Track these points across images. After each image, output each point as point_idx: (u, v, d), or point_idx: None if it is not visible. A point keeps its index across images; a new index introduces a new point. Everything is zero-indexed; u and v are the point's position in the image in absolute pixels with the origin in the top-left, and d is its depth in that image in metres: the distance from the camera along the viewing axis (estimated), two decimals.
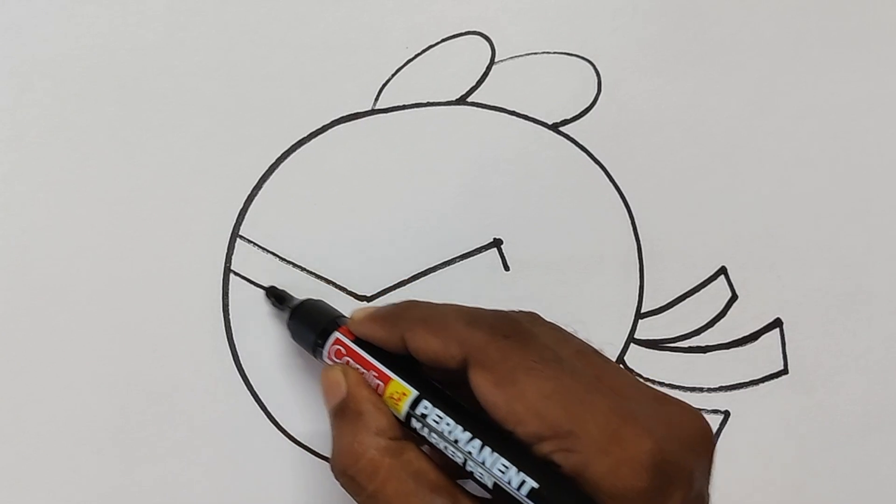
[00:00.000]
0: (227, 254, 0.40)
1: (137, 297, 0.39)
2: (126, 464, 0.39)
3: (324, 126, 0.41)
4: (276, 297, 0.39)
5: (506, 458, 0.30)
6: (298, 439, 0.40)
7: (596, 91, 0.43)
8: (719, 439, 0.43)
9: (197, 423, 0.39)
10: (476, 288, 0.42)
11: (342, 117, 0.41)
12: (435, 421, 0.31)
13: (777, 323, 0.44)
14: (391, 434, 0.32)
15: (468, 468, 0.30)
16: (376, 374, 0.33)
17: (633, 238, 0.43)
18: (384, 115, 0.41)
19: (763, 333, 0.44)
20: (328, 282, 0.41)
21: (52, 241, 0.39)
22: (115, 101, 0.39)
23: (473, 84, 0.42)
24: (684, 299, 0.43)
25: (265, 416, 0.40)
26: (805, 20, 0.45)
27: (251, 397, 0.40)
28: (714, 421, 0.43)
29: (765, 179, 0.44)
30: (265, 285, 0.40)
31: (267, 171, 0.40)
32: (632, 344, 0.43)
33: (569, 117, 0.43)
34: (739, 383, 0.43)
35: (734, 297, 0.44)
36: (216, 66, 0.40)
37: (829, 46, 0.45)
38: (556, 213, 0.42)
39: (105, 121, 0.39)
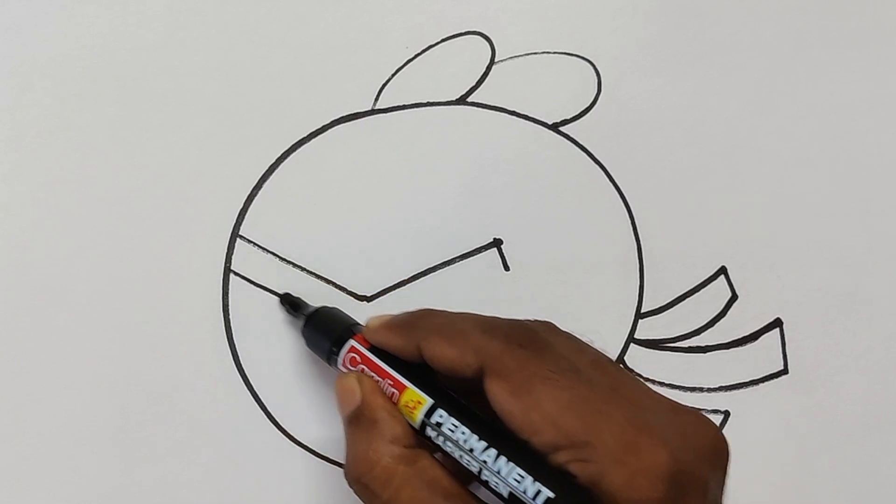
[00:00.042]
0: (227, 254, 0.40)
1: (137, 297, 0.39)
2: (126, 464, 0.39)
3: (324, 126, 0.41)
4: (291, 304, 0.39)
5: (521, 467, 0.30)
6: (298, 439, 0.40)
7: (596, 91, 0.43)
8: None
9: (197, 423, 0.39)
10: (476, 288, 0.42)
11: (342, 117, 0.41)
12: (450, 430, 0.31)
13: (777, 323, 0.44)
14: (406, 442, 0.32)
15: (483, 477, 0.30)
16: (391, 383, 0.33)
17: (633, 238, 0.43)
18: (384, 115, 0.41)
19: (763, 333, 0.44)
20: (328, 282, 0.41)
21: (52, 241, 0.39)
22: (115, 101, 0.39)
23: (473, 84, 0.42)
24: (684, 299, 0.43)
25: (265, 416, 0.40)
26: (805, 20, 0.45)
27: (251, 397, 0.40)
28: (714, 421, 0.43)
29: (765, 179, 0.44)
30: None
31: (267, 171, 0.40)
32: (632, 344, 0.43)
33: (569, 117, 0.43)
34: (739, 383, 0.43)
35: (734, 297, 0.44)
36: (216, 66, 0.40)
37: (829, 46, 0.45)
38: (556, 213, 0.42)
39: (105, 121, 0.39)
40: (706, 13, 0.44)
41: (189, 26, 0.40)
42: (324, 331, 0.37)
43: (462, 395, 0.33)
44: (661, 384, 0.43)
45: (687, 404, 0.42)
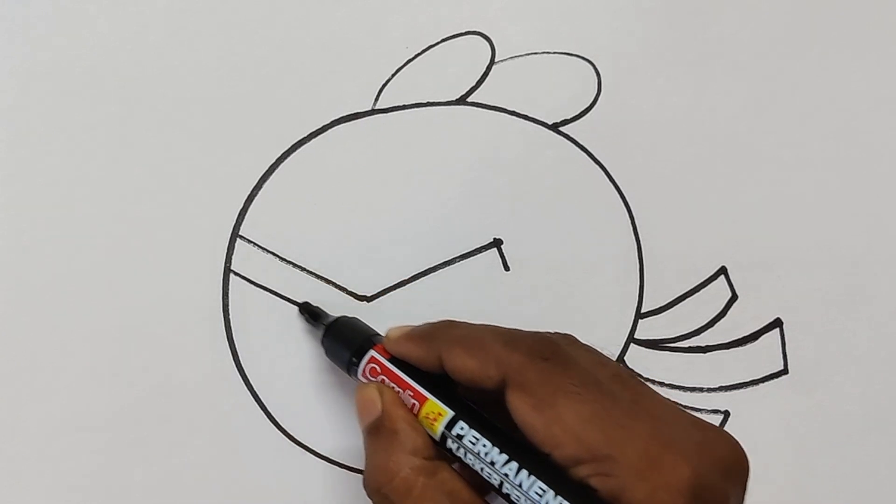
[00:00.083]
0: (227, 254, 0.40)
1: (137, 297, 0.39)
2: (126, 463, 0.39)
3: (324, 126, 0.41)
4: (311, 313, 0.39)
5: (543, 480, 0.30)
6: (298, 439, 0.40)
7: (596, 91, 0.43)
8: None
9: (197, 423, 0.39)
10: (476, 288, 0.42)
11: (342, 117, 0.41)
12: (471, 442, 0.31)
13: (777, 323, 0.44)
14: (426, 454, 0.32)
15: (504, 490, 0.30)
16: (412, 394, 0.33)
17: (633, 238, 0.43)
18: (384, 115, 0.41)
19: (763, 333, 0.44)
20: (328, 282, 0.41)
21: (52, 241, 0.39)
22: (115, 101, 0.39)
23: (473, 84, 0.42)
24: (684, 299, 0.43)
25: (265, 416, 0.40)
26: (805, 20, 0.45)
27: (251, 397, 0.40)
28: (714, 421, 0.43)
29: (765, 179, 0.44)
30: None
31: (267, 171, 0.40)
32: (632, 344, 0.43)
33: (569, 117, 0.43)
34: (739, 383, 0.43)
35: (734, 297, 0.44)
36: (216, 66, 0.40)
37: (829, 46, 0.45)
38: (556, 213, 0.42)
39: (105, 121, 0.39)
40: (706, 13, 0.44)
41: (189, 26, 0.40)
42: (343, 341, 0.37)
43: (481, 406, 0.33)
44: (661, 384, 0.43)
45: (689, 405, 0.42)
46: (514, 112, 0.42)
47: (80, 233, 0.39)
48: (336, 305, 0.40)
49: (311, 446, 0.40)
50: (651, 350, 0.43)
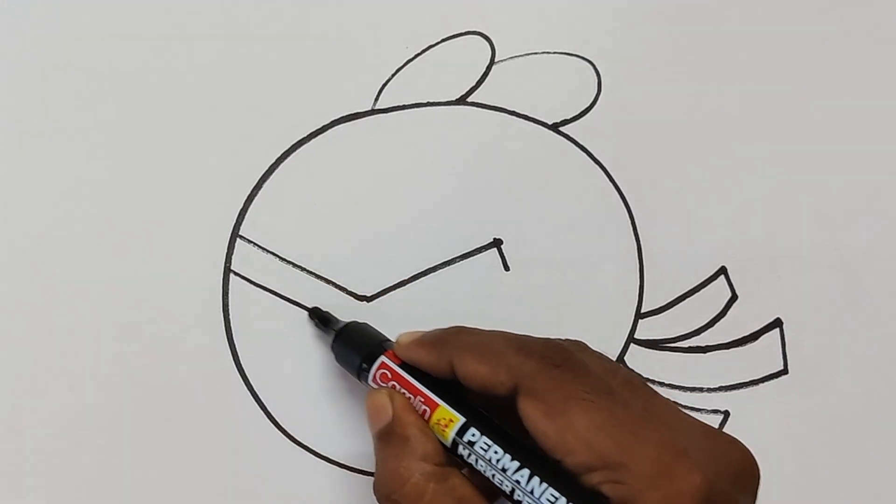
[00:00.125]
0: (227, 254, 0.40)
1: (137, 297, 0.39)
2: (126, 464, 0.39)
3: (324, 126, 0.41)
4: (320, 318, 0.39)
5: (555, 487, 0.30)
6: (298, 439, 0.40)
7: (596, 91, 0.43)
8: None
9: (197, 423, 0.39)
10: (476, 288, 0.42)
11: (342, 117, 0.41)
12: (483, 448, 0.31)
13: (777, 323, 0.44)
14: (436, 460, 0.32)
15: (516, 497, 0.30)
16: (423, 400, 0.33)
17: (633, 238, 0.43)
18: (384, 115, 0.41)
19: (763, 333, 0.44)
20: (328, 282, 0.41)
21: (51, 241, 0.39)
22: (115, 101, 0.39)
23: (473, 84, 0.42)
24: (684, 299, 0.43)
25: (265, 416, 0.40)
26: (805, 20, 0.45)
27: (251, 397, 0.40)
28: (714, 421, 0.43)
29: (765, 180, 0.44)
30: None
31: (267, 171, 0.40)
32: (632, 344, 0.43)
33: (569, 117, 0.43)
34: (739, 383, 0.43)
35: (734, 297, 0.44)
36: (216, 66, 0.40)
37: (829, 46, 0.45)
38: (556, 213, 0.42)
39: (105, 121, 0.39)
40: (706, 13, 0.44)
41: (189, 26, 0.40)
42: (354, 346, 0.37)
43: (491, 412, 0.33)
44: (661, 384, 0.43)
45: (689, 405, 0.42)
46: (514, 112, 0.42)
47: (79, 233, 0.39)
48: (336, 305, 0.40)
49: (311, 446, 0.40)
50: (651, 350, 0.43)
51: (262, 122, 0.40)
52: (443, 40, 0.42)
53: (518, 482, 0.30)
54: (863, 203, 0.45)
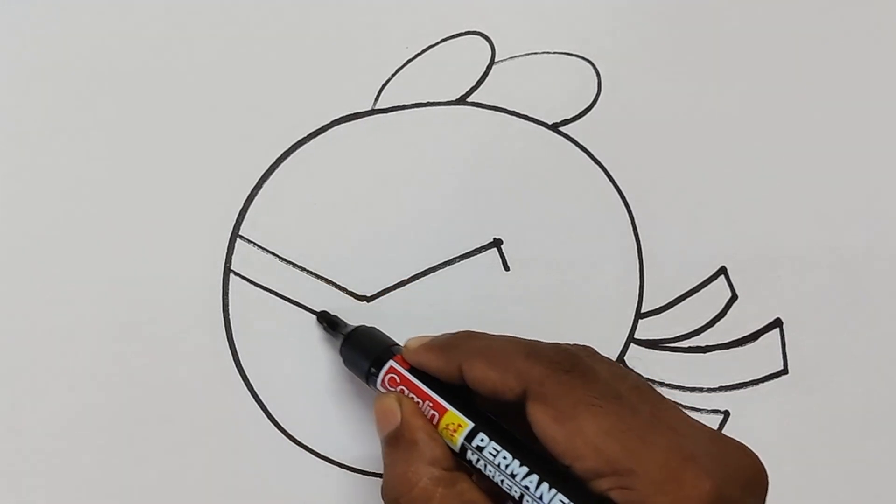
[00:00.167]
0: (227, 254, 0.40)
1: (137, 297, 0.39)
2: (126, 464, 0.39)
3: (324, 126, 0.41)
4: (329, 322, 0.39)
5: (564, 493, 0.30)
6: (298, 439, 0.40)
7: (596, 91, 0.43)
8: None
9: (197, 423, 0.39)
10: (476, 288, 0.42)
11: (342, 117, 0.41)
12: (492, 454, 0.31)
13: (777, 323, 0.44)
14: (445, 464, 0.32)
15: (525, 502, 0.30)
16: (431, 405, 0.33)
17: (633, 238, 0.43)
18: (384, 115, 0.41)
19: (763, 333, 0.44)
20: (328, 282, 0.41)
21: (52, 241, 0.39)
22: (115, 101, 0.39)
23: (473, 84, 0.42)
24: (684, 299, 0.43)
25: (265, 416, 0.40)
26: (805, 20, 0.45)
27: (251, 397, 0.40)
28: (714, 421, 0.43)
29: (765, 179, 0.44)
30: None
31: (267, 171, 0.40)
32: (632, 344, 0.43)
33: (569, 117, 0.43)
34: (739, 383, 0.43)
35: (734, 297, 0.44)
36: (216, 66, 0.40)
37: (829, 46, 0.45)
38: (556, 213, 0.42)
39: (105, 121, 0.39)
40: (706, 13, 0.44)
41: (189, 26, 0.40)
42: (362, 350, 0.37)
43: (499, 417, 0.33)
44: (661, 384, 0.43)
45: (689, 405, 0.42)
46: (514, 112, 0.42)
47: (79, 233, 0.39)
48: (336, 305, 0.40)
49: (311, 446, 0.40)
50: (651, 350, 0.43)
51: (262, 122, 0.40)
52: (443, 40, 0.42)
53: (527, 488, 0.30)
54: (863, 203, 0.45)
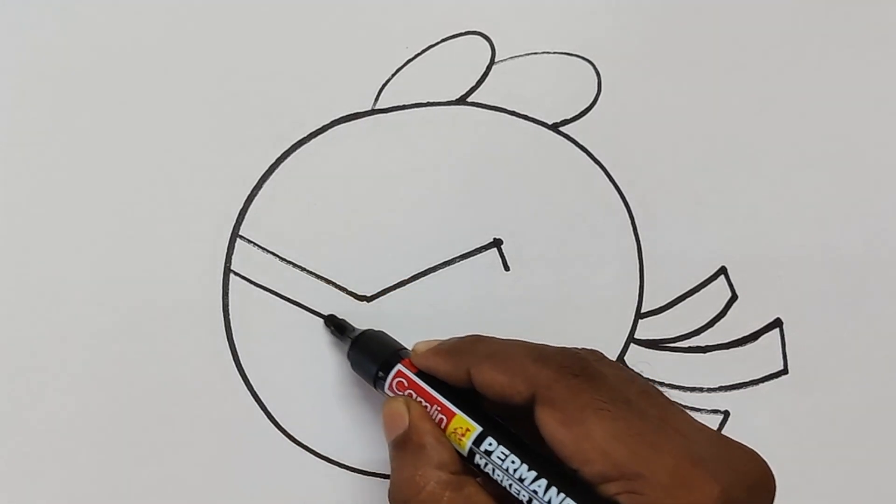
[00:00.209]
0: (227, 254, 0.40)
1: (138, 297, 0.39)
2: (126, 464, 0.39)
3: (324, 126, 0.41)
4: (336, 326, 0.39)
5: (572, 497, 0.30)
6: (298, 439, 0.40)
7: (596, 91, 0.43)
8: None
9: (197, 423, 0.39)
10: (476, 288, 0.42)
11: (342, 117, 0.41)
12: (500, 458, 0.31)
13: (777, 323, 0.44)
14: (452, 468, 0.32)
15: None
16: (439, 409, 0.33)
17: (633, 238, 0.43)
18: (384, 115, 0.41)
19: (763, 333, 0.44)
20: (328, 282, 0.41)
21: (52, 241, 0.39)
22: (115, 101, 0.39)
23: (473, 84, 0.42)
24: (684, 299, 0.43)
25: (265, 416, 0.40)
26: (805, 20, 0.45)
27: (251, 397, 0.40)
28: (714, 421, 0.43)
29: (765, 179, 0.44)
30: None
31: (267, 171, 0.40)
32: (632, 344, 0.43)
33: (569, 117, 0.43)
34: (739, 383, 0.43)
35: (734, 297, 0.44)
36: (216, 66, 0.40)
37: (829, 46, 0.45)
38: (556, 214, 0.42)
39: (105, 121, 0.39)
40: (706, 13, 0.44)
41: (189, 26, 0.40)
42: (370, 354, 0.37)
43: (507, 421, 0.33)
44: (662, 384, 0.43)
45: (689, 405, 0.42)
46: (514, 112, 0.42)
47: (79, 233, 0.39)
48: (336, 305, 0.40)
49: (311, 446, 0.40)
50: (651, 350, 0.43)
51: (262, 122, 0.40)
52: (443, 40, 0.42)
53: (535, 492, 0.30)
54: (863, 203, 0.45)
